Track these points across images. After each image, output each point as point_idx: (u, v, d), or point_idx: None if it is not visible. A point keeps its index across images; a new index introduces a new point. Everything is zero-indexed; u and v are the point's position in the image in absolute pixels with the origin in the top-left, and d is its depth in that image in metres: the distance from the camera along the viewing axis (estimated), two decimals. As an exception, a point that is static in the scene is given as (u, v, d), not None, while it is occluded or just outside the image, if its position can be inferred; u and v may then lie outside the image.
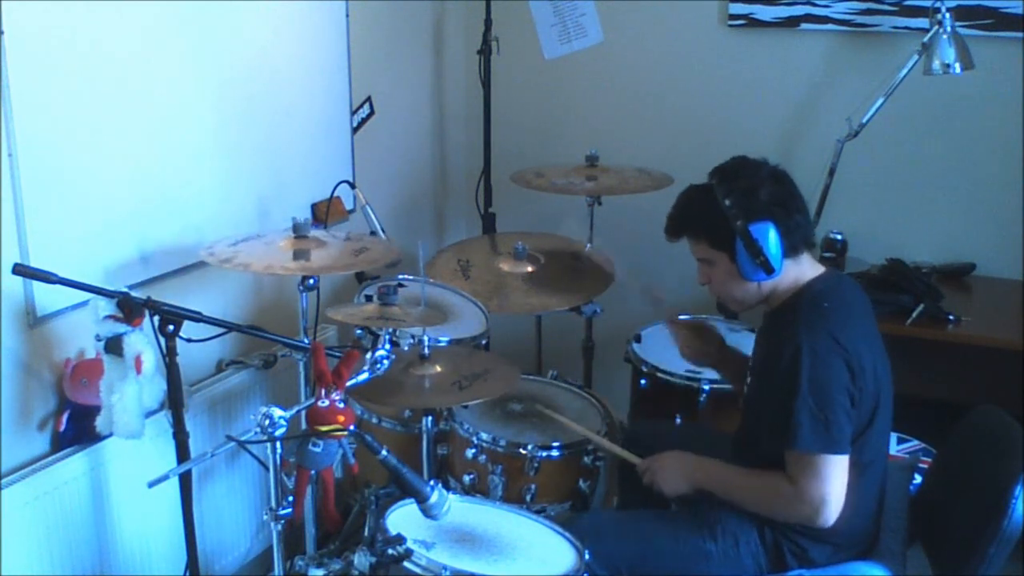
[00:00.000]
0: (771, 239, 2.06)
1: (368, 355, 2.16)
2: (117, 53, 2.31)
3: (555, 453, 2.47)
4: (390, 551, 1.85)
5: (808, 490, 2.02)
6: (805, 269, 2.16)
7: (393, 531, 1.91)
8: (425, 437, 2.52)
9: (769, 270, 2.08)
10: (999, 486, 2.00)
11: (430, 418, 2.51)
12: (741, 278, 2.13)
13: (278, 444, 1.91)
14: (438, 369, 2.43)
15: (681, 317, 3.07)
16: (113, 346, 2.09)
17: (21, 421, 2.20)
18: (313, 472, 1.98)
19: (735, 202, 2.07)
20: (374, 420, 2.69)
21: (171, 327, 2.06)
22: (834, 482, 2.02)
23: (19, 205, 2.12)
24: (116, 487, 2.36)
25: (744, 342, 2.95)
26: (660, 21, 3.57)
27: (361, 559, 1.86)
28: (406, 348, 2.47)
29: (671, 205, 2.23)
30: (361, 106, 3.29)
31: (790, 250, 2.10)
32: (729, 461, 2.22)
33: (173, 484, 2.09)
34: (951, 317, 2.94)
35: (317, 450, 1.94)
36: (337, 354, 2.13)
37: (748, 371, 2.31)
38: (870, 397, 2.06)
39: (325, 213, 2.97)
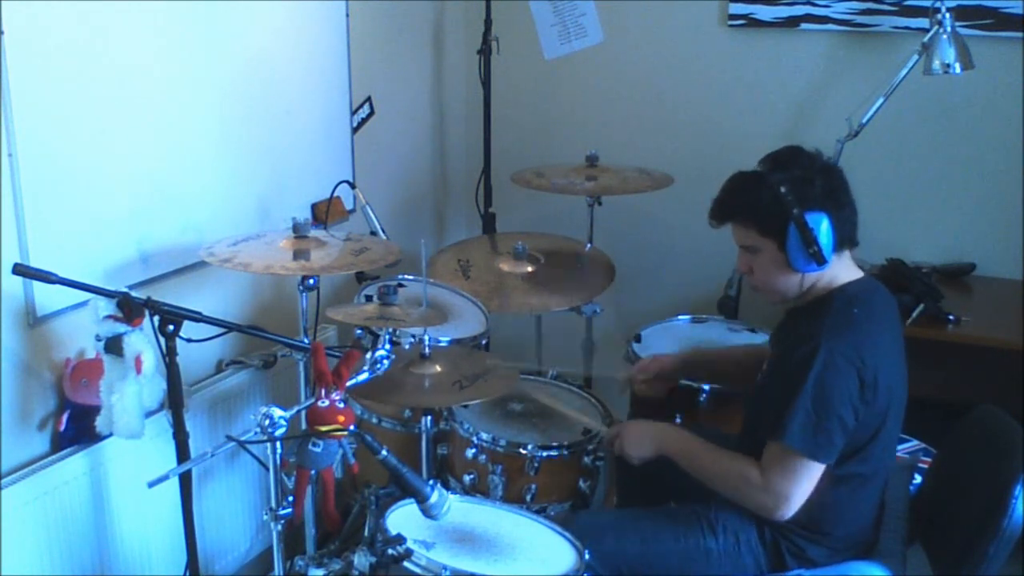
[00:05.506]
0: (824, 230, 2.04)
1: (368, 355, 2.16)
2: (117, 53, 2.31)
3: (555, 453, 2.47)
4: (390, 551, 1.85)
5: (775, 483, 2.03)
6: (844, 268, 2.14)
7: (393, 531, 1.91)
8: (425, 437, 2.52)
9: (821, 260, 2.05)
10: (999, 486, 2.00)
11: (430, 418, 2.51)
12: (786, 268, 2.10)
13: (278, 444, 1.91)
14: (438, 369, 2.43)
15: (681, 317, 3.10)
16: (113, 346, 2.09)
17: (21, 421, 2.20)
18: (313, 472, 1.98)
19: (791, 189, 2.04)
20: (374, 420, 2.69)
21: (171, 327, 2.06)
22: (801, 485, 2.02)
23: (19, 205, 2.12)
24: (116, 487, 2.36)
25: (744, 342, 2.96)
26: (660, 21, 3.57)
27: (361, 559, 1.86)
28: (407, 348, 2.47)
29: (719, 190, 2.18)
30: (361, 106, 3.29)
31: (839, 244, 2.08)
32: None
33: (173, 484, 2.09)
34: (951, 317, 2.94)
35: (317, 450, 1.94)
36: (337, 354, 2.12)
37: (768, 351, 2.31)
38: (878, 413, 2.05)
39: (325, 213, 2.97)
